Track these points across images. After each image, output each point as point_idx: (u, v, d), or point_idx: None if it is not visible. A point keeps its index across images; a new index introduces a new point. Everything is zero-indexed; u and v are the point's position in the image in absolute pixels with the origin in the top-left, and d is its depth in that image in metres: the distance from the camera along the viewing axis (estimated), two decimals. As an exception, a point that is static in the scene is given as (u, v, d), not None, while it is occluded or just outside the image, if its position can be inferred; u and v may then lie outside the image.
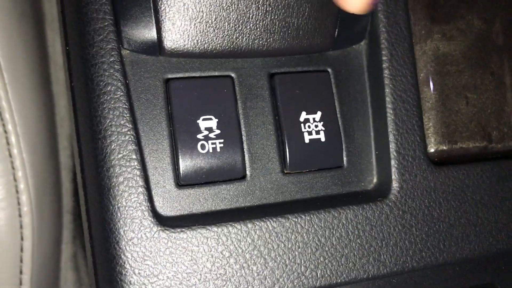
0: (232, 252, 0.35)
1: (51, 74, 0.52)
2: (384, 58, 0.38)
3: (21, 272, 0.44)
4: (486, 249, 0.40)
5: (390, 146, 0.38)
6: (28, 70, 0.45)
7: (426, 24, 0.40)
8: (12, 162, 0.41)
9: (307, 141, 0.37)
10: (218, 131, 0.35)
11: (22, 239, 0.43)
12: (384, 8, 0.38)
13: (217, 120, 0.36)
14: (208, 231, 0.34)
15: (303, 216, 0.36)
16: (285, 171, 0.37)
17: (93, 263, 0.35)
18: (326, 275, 0.36)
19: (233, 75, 0.37)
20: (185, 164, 0.35)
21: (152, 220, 0.33)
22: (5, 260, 0.42)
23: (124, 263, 0.33)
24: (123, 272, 0.33)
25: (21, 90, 0.43)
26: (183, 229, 0.34)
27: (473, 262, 0.40)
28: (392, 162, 0.38)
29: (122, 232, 0.33)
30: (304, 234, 0.36)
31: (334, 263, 0.36)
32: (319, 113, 0.38)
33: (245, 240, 0.35)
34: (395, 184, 0.38)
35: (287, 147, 0.37)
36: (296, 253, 0.36)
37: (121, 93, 0.33)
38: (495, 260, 0.41)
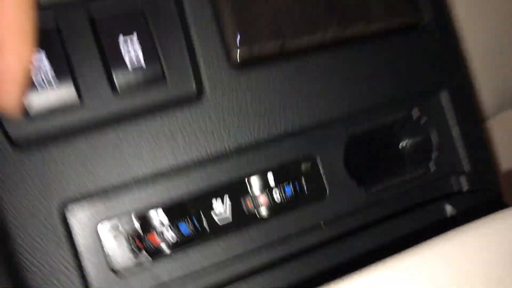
0: None
1: None
2: None
3: None
4: (297, 125, 0.45)
5: (197, 56, 0.42)
6: None
7: None
8: None
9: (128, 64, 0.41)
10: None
11: None
12: None
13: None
14: None
15: (131, 127, 0.41)
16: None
17: None
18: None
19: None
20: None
21: None
22: None
23: None
24: None
25: None
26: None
27: (293, 135, 0.46)
28: (202, 70, 0.42)
29: None
30: (131, 141, 0.41)
31: (150, 155, 0.42)
32: (135, 34, 0.41)
33: None
34: (207, 89, 0.43)
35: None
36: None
37: None
38: (315, 133, 0.47)
